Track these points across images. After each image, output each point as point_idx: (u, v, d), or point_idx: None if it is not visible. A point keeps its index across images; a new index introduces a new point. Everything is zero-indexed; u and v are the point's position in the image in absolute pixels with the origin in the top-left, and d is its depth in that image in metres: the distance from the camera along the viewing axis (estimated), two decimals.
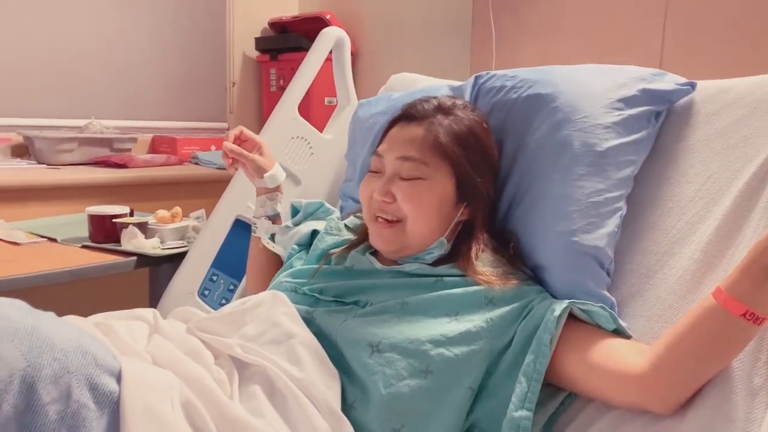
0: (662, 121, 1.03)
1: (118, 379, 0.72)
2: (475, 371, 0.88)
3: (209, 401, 0.78)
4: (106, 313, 0.97)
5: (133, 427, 0.69)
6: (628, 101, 1.00)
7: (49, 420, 0.65)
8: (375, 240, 1.01)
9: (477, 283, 0.93)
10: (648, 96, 1.01)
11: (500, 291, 0.92)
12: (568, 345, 0.87)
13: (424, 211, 0.97)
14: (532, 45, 1.93)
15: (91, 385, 0.69)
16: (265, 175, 1.21)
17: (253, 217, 1.26)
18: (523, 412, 0.84)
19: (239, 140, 1.23)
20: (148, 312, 0.97)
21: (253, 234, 1.26)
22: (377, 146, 1.04)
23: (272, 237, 1.25)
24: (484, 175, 1.00)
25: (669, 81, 1.03)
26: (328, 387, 0.87)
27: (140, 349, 0.87)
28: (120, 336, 0.86)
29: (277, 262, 1.24)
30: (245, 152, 1.20)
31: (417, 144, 0.97)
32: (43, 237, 1.48)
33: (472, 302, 0.92)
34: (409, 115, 1.02)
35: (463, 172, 0.98)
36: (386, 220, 0.98)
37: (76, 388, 0.68)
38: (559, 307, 0.88)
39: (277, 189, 1.25)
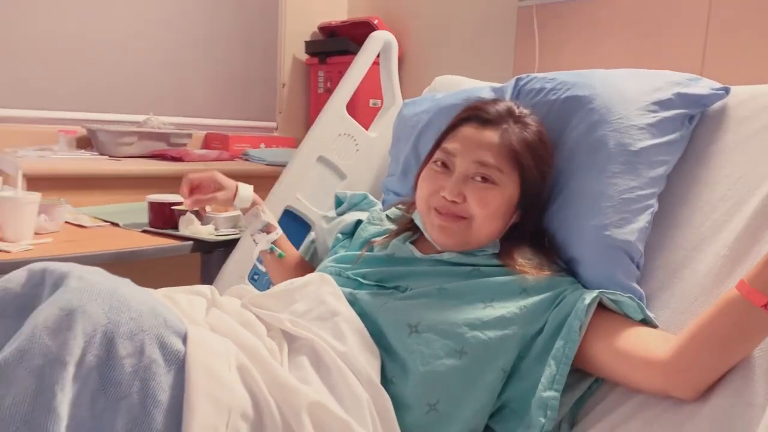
0: (696, 123, 1.07)
1: (184, 340, 0.79)
2: (508, 354, 0.94)
3: (262, 367, 0.86)
4: (168, 288, 1.06)
5: (196, 382, 0.76)
6: (663, 104, 1.04)
7: (125, 372, 0.73)
8: (435, 232, 1.04)
9: (512, 273, 0.99)
10: (682, 99, 1.05)
11: (534, 281, 0.97)
12: (597, 332, 0.92)
13: (492, 214, 1.01)
14: (574, 50, 1.97)
15: (161, 343, 0.77)
16: (234, 203, 1.28)
17: (250, 235, 1.32)
18: (551, 393, 0.89)
19: (194, 189, 1.28)
20: (206, 288, 1.05)
21: (259, 250, 1.30)
22: (442, 141, 1.07)
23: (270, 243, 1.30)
24: (545, 183, 1.05)
25: (704, 86, 1.07)
26: (369, 361, 0.93)
27: (200, 319, 0.95)
28: (182, 307, 0.94)
29: (291, 263, 1.30)
30: (204, 198, 1.27)
31: (493, 150, 1.01)
32: (106, 222, 1.59)
33: (507, 291, 0.97)
34: (481, 117, 1.04)
35: (531, 180, 1.03)
36: (451, 215, 1.02)
37: (148, 345, 0.75)
38: (590, 296, 0.92)
39: (254, 204, 1.30)
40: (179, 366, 0.78)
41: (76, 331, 0.70)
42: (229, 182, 1.29)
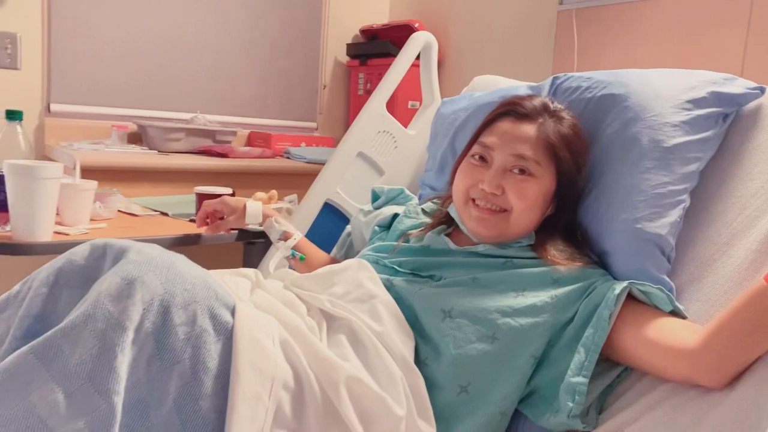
0: (730, 122, 1.09)
1: (232, 313, 0.85)
2: (538, 341, 0.97)
3: (303, 342, 0.91)
4: (215, 270, 1.12)
5: (243, 351, 0.82)
6: (697, 102, 1.06)
7: (179, 339, 0.78)
8: (473, 223, 1.07)
9: (544, 264, 1.02)
10: (717, 98, 1.07)
11: (566, 271, 1.00)
12: (626, 321, 0.94)
13: (530, 206, 1.04)
14: (613, 53, 1.99)
15: (212, 314, 0.82)
16: (246, 221, 1.38)
17: (273, 244, 1.40)
18: (579, 379, 0.92)
19: (209, 217, 1.42)
20: (250, 271, 1.10)
21: (281, 256, 1.37)
22: (479, 135, 1.10)
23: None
24: (581, 176, 1.08)
25: (739, 85, 1.09)
26: (404, 342, 0.97)
27: (245, 298, 1.00)
28: (229, 285, 1.00)
29: (316, 263, 1.34)
30: (220, 224, 1.41)
31: (531, 143, 1.04)
32: (156, 211, 1.67)
33: (539, 281, 1.00)
34: (518, 112, 1.07)
35: (567, 172, 1.06)
36: (489, 208, 1.06)
37: (200, 315, 0.81)
38: (619, 286, 0.95)
39: (267, 216, 1.38)
40: (227, 336, 0.83)
41: (135, 299, 0.76)
42: (237, 204, 1.39)
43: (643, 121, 1.07)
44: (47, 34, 2.26)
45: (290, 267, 1.40)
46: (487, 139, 1.08)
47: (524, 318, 0.96)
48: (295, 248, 1.35)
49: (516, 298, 0.98)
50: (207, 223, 1.42)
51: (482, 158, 1.07)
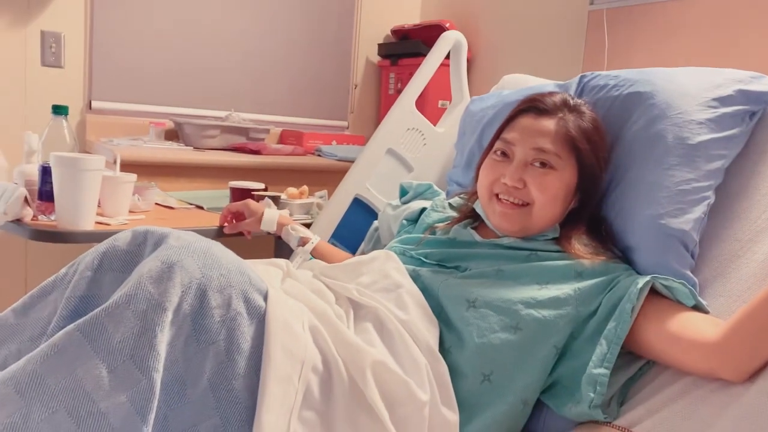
0: (757, 120, 1.09)
1: (265, 298, 0.89)
2: (561, 333, 0.98)
3: (331, 328, 0.94)
4: (249, 260, 1.16)
5: (275, 333, 0.85)
6: (723, 100, 1.07)
7: (214, 321, 0.82)
8: (497, 218, 1.10)
9: (568, 258, 1.04)
10: (743, 96, 1.07)
11: (590, 265, 1.02)
12: (648, 316, 0.95)
13: (552, 199, 1.06)
14: (643, 52, 1.99)
15: (246, 298, 0.86)
16: (261, 225, 1.43)
17: (294, 251, 1.43)
18: (601, 370, 0.93)
19: (232, 217, 1.50)
20: (281, 261, 1.14)
21: (302, 261, 1.38)
22: (500, 132, 1.13)
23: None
24: (602, 169, 1.10)
25: (765, 83, 1.09)
26: (429, 330, 1.00)
27: (276, 286, 1.04)
28: (261, 273, 1.04)
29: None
30: (240, 225, 1.48)
31: (551, 136, 1.06)
32: (191, 204, 1.73)
33: (562, 274, 1.02)
34: (538, 107, 1.09)
35: (588, 165, 1.07)
36: (512, 202, 1.08)
37: (234, 299, 0.85)
38: (642, 280, 0.96)
39: (282, 224, 1.43)
40: (260, 320, 0.87)
41: (175, 282, 0.80)
42: (257, 208, 1.46)
43: (668, 119, 1.08)
44: (89, 34, 2.34)
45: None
46: (508, 134, 1.10)
47: (547, 309, 0.98)
48: (313, 252, 1.38)
49: (540, 290, 1.00)
50: (229, 221, 1.50)
51: (504, 153, 1.10)
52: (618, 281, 1.00)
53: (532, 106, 1.10)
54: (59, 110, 1.33)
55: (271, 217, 1.43)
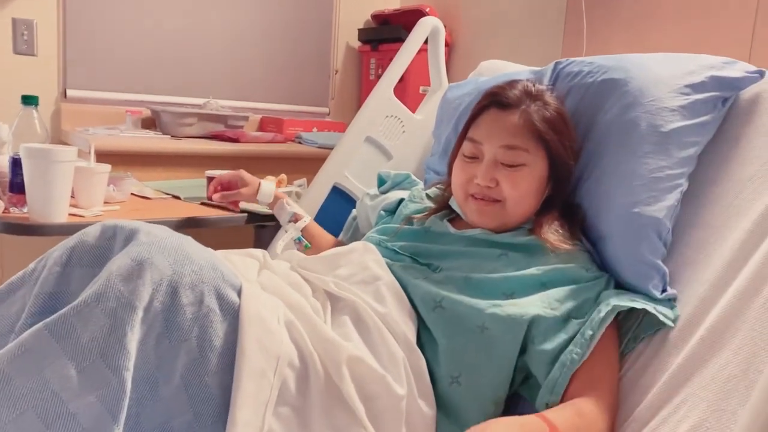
0: (729, 106, 1.09)
1: (239, 293, 0.88)
2: (525, 332, 0.96)
3: (306, 322, 0.94)
4: (224, 250, 1.15)
5: (248, 330, 0.85)
6: (696, 87, 1.07)
7: (186, 318, 0.82)
8: (475, 217, 1.10)
9: (535, 264, 1.02)
10: (716, 82, 1.08)
11: (553, 272, 1.00)
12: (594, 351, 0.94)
13: (526, 194, 1.06)
14: (622, 38, 1.98)
15: (219, 294, 0.85)
16: (257, 198, 1.40)
17: (282, 227, 1.42)
18: (552, 398, 0.93)
19: (221, 187, 1.43)
20: (258, 252, 1.13)
21: (290, 238, 1.39)
22: (467, 131, 1.11)
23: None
24: (571, 156, 1.10)
25: (738, 69, 1.09)
26: (406, 323, 1.00)
27: (252, 279, 1.03)
28: (236, 266, 1.03)
29: (324, 246, 1.37)
30: (230, 194, 1.42)
31: (517, 132, 1.05)
32: (168, 194, 1.71)
33: (528, 285, 1.00)
34: (500, 102, 1.08)
35: (557, 154, 1.07)
36: (487, 199, 1.07)
37: (207, 296, 0.84)
38: (606, 309, 0.95)
39: (278, 198, 1.41)
40: (234, 316, 0.86)
41: (145, 279, 0.79)
42: (253, 179, 1.42)
43: (641, 106, 1.08)
44: (63, 20, 2.30)
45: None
46: (475, 133, 1.10)
47: (513, 308, 0.97)
48: (303, 231, 1.38)
49: (505, 300, 0.99)
50: (219, 191, 1.44)
51: (473, 154, 1.09)
52: (586, 287, 1.00)
53: (494, 100, 1.10)
54: (29, 100, 1.30)
55: (268, 189, 1.41)
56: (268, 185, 1.41)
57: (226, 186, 1.44)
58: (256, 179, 1.42)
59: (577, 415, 0.89)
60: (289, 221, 1.39)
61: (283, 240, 1.38)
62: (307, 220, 1.39)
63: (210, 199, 1.46)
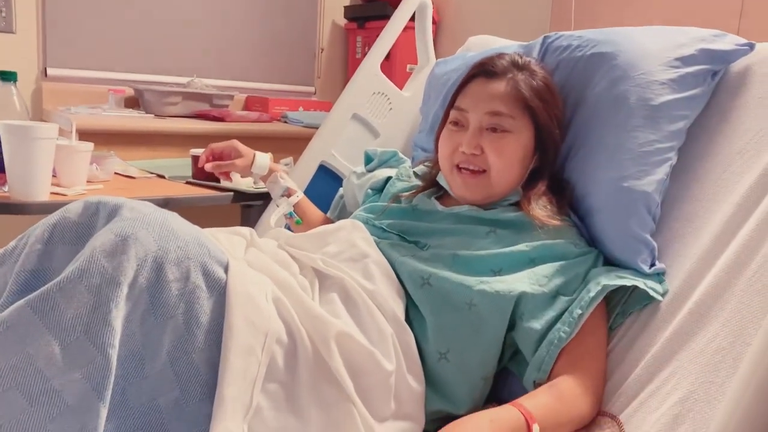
0: (719, 79, 1.09)
1: (225, 270, 0.87)
2: (513, 308, 0.96)
3: (294, 299, 0.93)
4: (210, 228, 1.13)
5: (236, 306, 0.84)
6: (686, 60, 1.07)
7: (172, 294, 0.80)
8: (460, 189, 1.09)
9: (524, 241, 1.01)
10: (706, 55, 1.07)
11: (542, 248, 1.00)
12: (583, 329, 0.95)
13: (510, 162, 1.05)
14: (611, 10, 1.97)
15: (205, 271, 0.84)
16: (252, 170, 1.36)
17: (274, 200, 1.39)
18: (539, 375, 0.94)
19: (214, 157, 1.38)
20: (245, 230, 1.11)
21: (281, 213, 1.36)
22: (454, 101, 1.11)
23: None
24: (557, 125, 1.09)
25: (728, 42, 1.08)
26: (394, 300, 0.99)
27: (239, 256, 1.02)
28: (223, 244, 1.02)
29: (315, 223, 1.35)
30: (224, 164, 1.36)
31: (503, 99, 1.05)
32: (152, 174, 1.68)
33: (516, 262, 1.00)
34: (487, 71, 1.08)
35: (543, 123, 1.06)
36: (471, 170, 1.07)
37: (193, 272, 0.82)
38: (596, 288, 0.95)
39: (272, 171, 1.37)
40: (220, 292, 0.85)
41: (129, 255, 0.78)
42: (248, 151, 1.37)
43: (631, 80, 1.07)
44: None
45: (287, 226, 1.41)
46: (461, 102, 1.09)
47: (500, 285, 0.97)
48: (295, 207, 1.36)
49: (493, 276, 0.99)
50: (211, 161, 1.39)
51: (458, 122, 1.08)
52: (574, 263, 1.00)
53: (482, 70, 1.09)
54: (7, 76, 1.28)
55: (263, 161, 1.37)
56: (264, 157, 1.37)
57: (218, 156, 1.39)
58: (250, 150, 1.38)
59: (556, 399, 0.89)
60: (282, 195, 1.36)
61: (275, 214, 1.36)
62: (300, 195, 1.37)
63: (197, 173, 1.42)
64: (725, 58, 1.08)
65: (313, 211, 1.40)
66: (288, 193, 1.36)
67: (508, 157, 1.05)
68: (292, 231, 1.34)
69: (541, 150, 1.08)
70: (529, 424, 0.84)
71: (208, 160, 1.38)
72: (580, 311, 0.94)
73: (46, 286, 0.75)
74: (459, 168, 1.08)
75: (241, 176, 1.45)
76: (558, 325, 0.94)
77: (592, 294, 0.95)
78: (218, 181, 1.58)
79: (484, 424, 0.83)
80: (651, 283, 0.97)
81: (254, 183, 1.58)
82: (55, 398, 0.71)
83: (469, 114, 1.07)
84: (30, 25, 2.24)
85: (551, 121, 1.07)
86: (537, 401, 0.88)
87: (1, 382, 0.70)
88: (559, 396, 0.90)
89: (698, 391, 0.81)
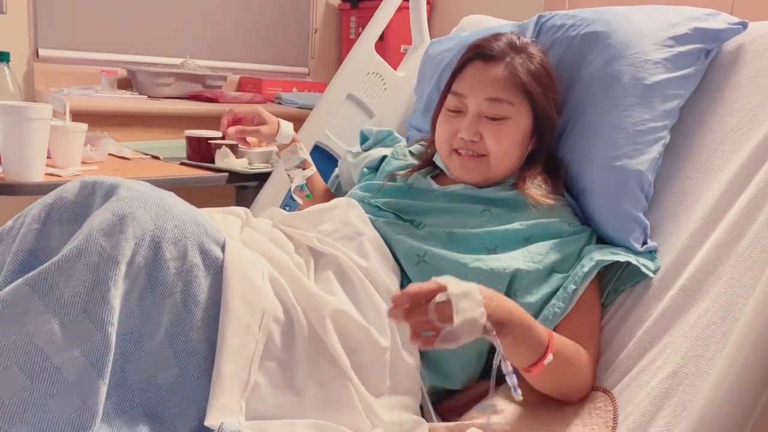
0: (712, 58, 1.09)
1: (222, 249, 0.87)
2: (507, 285, 0.97)
3: (289, 278, 0.93)
4: (205, 208, 1.14)
5: (233, 284, 0.84)
6: (679, 39, 1.07)
7: (170, 273, 0.81)
8: (458, 172, 1.09)
9: (518, 219, 1.02)
10: (699, 34, 1.07)
11: (536, 227, 1.01)
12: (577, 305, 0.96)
13: (509, 147, 1.06)
14: None
15: (202, 249, 0.84)
16: (277, 137, 1.30)
17: (285, 170, 1.35)
18: None
19: (236, 121, 1.29)
20: (241, 210, 1.11)
21: (295, 185, 1.34)
22: (451, 85, 1.10)
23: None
24: (555, 109, 1.09)
25: (721, 20, 1.09)
26: (389, 277, 1.00)
27: (234, 236, 1.03)
28: (219, 223, 1.02)
29: (320, 196, 1.35)
30: (249, 129, 1.28)
31: (501, 84, 1.04)
32: (147, 155, 1.68)
33: (510, 240, 1.01)
34: (484, 54, 1.06)
35: (541, 107, 1.06)
36: (470, 154, 1.06)
37: (190, 251, 0.83)
38: (589, 264, 0.96)
39: (294, 140, 1.33)
40: (217, 271, 0.85)
41: (127, 234, 0.78)
42: (272, 118, 1.31)
43: (625, 59, 1.07)
44: None
45: (290, 196, 1.39)
46: (459, 87, 1.08)
47: (495, 262, 0.97)
48: (307, 180, 1.34)
49: (488, 254, 1.00)
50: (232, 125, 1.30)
51: (457, 108, 1.08)
52: (568, 241, 1.01)
53: (479, 53, 1.08)
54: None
55: (288, 130, 1.31)
56: (288, 126, 1.32)
57: (239, 122, 1.30)
58: (274, 118, 1.32)
59: (575, 353, 0.91)
60: (297, 167, 1.34)
61: (296, 181, 1.32)
62: (314, 169, 1.35)
63: (192, 154, 1.40)
64: (718, 36, 1.08)
65: (323, 187, 1.39)
66: (304, 166, 1.34)
67: (507, 143, 1.05)
68: (299, 203, 1.33)
69: (539, 133, 1.08)
70: (546, 351, 0.84)
71: (229, 124, 1.29)
72: (574, 286, 0.95)
73: (45, 265, 0.75)
74: (457, 152, 1.08)
75: (263, 143, 1.39)
76: (553, 301, 0.96)
77: (585, 269, 0.96)
78: (212, 162, 1.58)
79: (517, 310, 0.84)
80: (643, 260, 0.98)
81: (249, 164, 1.58)
82: (55, 375, 0.72)
83: (467, 99, 1.07)
84: (21, 5, 2.22)
85: (549, 104, 1.07)
86: (563, 341, 0.90)
87: (2, 360, 0.71)
88: (577, 353, 0.91)
89: (688, 365, 0.83)
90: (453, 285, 0.76)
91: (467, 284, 0.78)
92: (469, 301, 0.76)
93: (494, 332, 0.78)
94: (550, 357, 0.84)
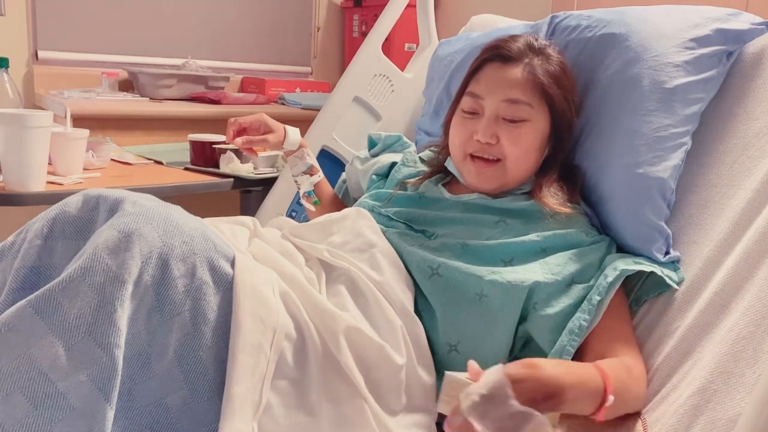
0: (734, 60, 1.06)
1: (232, 264, 0.84)
2: (525, 298, 0.94)
3: (301, 293, 0.90)
4: (212, 218, 1.11)
5: (243, 303, 0.81)
6: (701, 41, 1.04)
7: (178, 291, 0.78)
8: (473, 178, 1.05)
9: (534, 231, 0.99)
10: (721, 36, 1.04)
11: (553, 237, 0.98)
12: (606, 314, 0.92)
13: (526, 151, 1.02)
14: None
15: (211, 266, 0.81)
16: (284, 144, 1.28)
17: (293, 176, 1.33)
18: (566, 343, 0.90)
19: (241, 131, 1.27)
20: (248, 219, 1.09)
21: (299, 192, 1.32)
22: (467, 86, 1.07)
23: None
24: (574, 112, 1.05)
25: (744, 21, 1.05)
26: (403, 291, 0.97)
27: (242, 248, 0.99)
28: (226, 235, 0.99)
29: (328, 203, 1.32)
30: (256, 139, 1.26)
31: (520, 86, 1.01)
32: (149, 160, 1.65)
33: (527, 252, 0.98)
34: (502, 55, 1.03)
35: (560, 110, 1.03)
36: (486, 159, 1.03)
37: (199, 267, 0.80)
38: (613, 274, 0.92)
39: (301, 146, 1.31)
40: (227, 288, 0.82)
41: (133, 252, 0.75)
42: (278, 125, 1.29)
43: (644, 62, 1.04)
44: None
45: (297, 202, 1.35)
46: (475, 88, 1.05)
47: (512, 275, 0.94)
48: (315, 187, 1.32)
49: (504, 267, 0.97)
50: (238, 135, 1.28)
51: (473, 109, 1.05)
52: (587, 252, 0.98)
53: (496, 53, 1.05)
54: None
55: (295, 136, 1.30)
56: (295, 132, 1.30)
57: (244, 132, 1.28)
58: (280, 124, 1.30)
59: (626, 372, 0.86)
60: (305, 173, 1.31)
61: (304, 188, 1.31)
62: (321, 175, 1.33)
63: (196, 159, 1.37)
64: (741, 37, 1.05)
65: (331, 194, 1.36)
66: (312, 172, 1.32)
67: (524, 146, 1.02)
68: (311, 209, 1.31)
69: (556, 137, 1.05)
70: (606, 394, 0.78)
71: (235, 135, 1.27)
72: (599, 297, 0.91)
73: (48, 285, 0.72)
74: (473, 157, 1.04)
75: (271, 150, 1.36)
76: (578, 313, 0.92)
77: (610, 279, 0.92)
78: (217, 167, 1.55)
79: (557, 372, 0.75)
80: (667, 271, 0.95)
81: (254, 169, 1.55)
82: (60, 401, 0.69)
83: (484, 101, 1.03)
84: (19, 7, 2.18)
85: (568, 107, 1.04)
86: (614, 370, 0.82)
87: (5, 386, 0.68)
88: (628, 372, 0.86)
89: (717, 381, 0.80)
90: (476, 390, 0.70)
91: (491, 379, 0.71)
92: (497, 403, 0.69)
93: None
94: (611, 399, 0.78)
